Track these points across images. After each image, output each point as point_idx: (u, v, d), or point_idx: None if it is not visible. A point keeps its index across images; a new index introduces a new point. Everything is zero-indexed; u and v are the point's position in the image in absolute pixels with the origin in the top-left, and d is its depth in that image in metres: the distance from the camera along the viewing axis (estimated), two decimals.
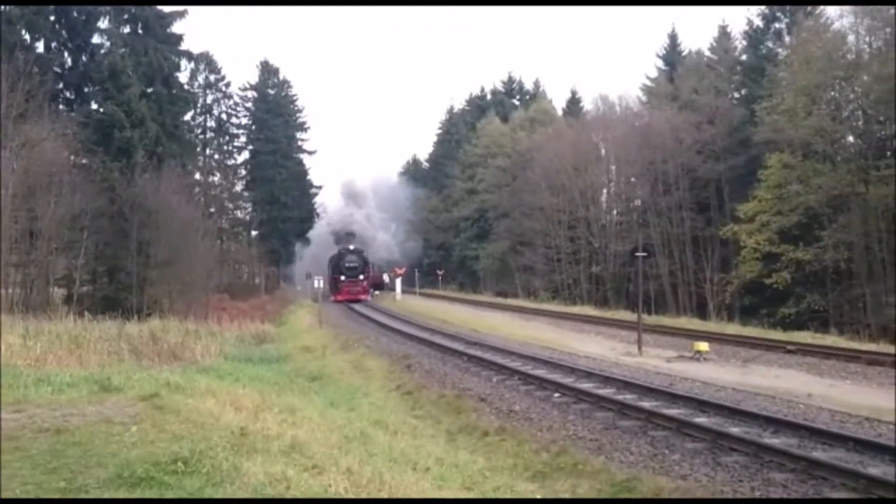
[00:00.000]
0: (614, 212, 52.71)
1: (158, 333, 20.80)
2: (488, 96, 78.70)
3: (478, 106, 77.75)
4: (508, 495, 8.61)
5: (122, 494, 6.69)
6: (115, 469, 7.20)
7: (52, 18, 39.34)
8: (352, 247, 59.75)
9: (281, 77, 71.87)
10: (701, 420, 11.34)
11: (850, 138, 35.67)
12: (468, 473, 9.47)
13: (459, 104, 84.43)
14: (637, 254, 21.52)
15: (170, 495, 6.63)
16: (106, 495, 6.67)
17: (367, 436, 10.97)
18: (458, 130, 78.27)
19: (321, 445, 9.33)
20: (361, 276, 56.47)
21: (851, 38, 35.39)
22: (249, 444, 8.47)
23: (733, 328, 27.29)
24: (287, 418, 10.62)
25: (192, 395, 11.43)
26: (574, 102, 65.91)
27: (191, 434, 8.49)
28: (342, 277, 55.69)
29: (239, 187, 66.92)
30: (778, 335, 24.53)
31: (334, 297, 54.34)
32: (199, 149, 60.64)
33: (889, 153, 34.91)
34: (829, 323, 31.79)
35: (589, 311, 38.13)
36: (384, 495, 7.04)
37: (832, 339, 23.16)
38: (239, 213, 66.59)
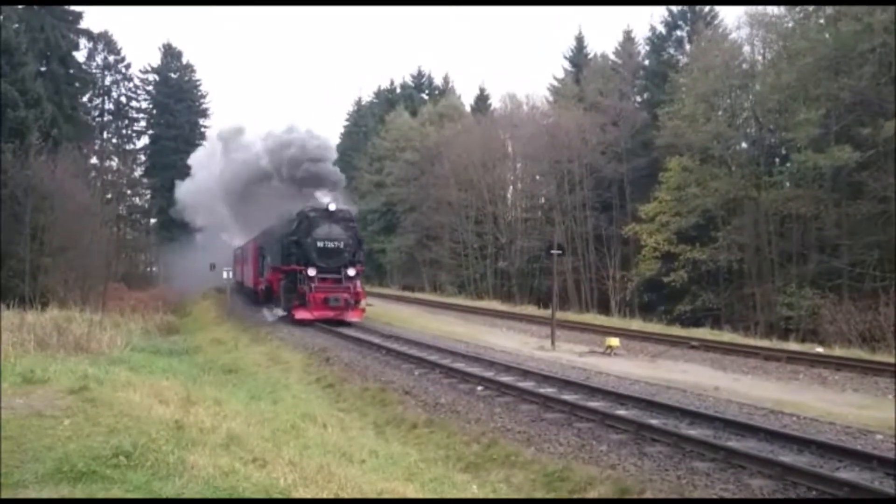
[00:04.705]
0: (520, 208, 53.71)
1: (62, 324, 19.97)
2: (398, 89, 78.29)
3: (387, 99, 77.25)
4: (446, 486, 8.79)
5: (63, 489, 6.51)
6: (52, 463, 6.98)
7: None
8: (331, 206, 27.64)
9: (184, 61, 69.81)
10: (622, 412, 11.80)
11: (744, 144, 37.59)
12: (405, 465, 9.62)
13: (368, 96, 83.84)
14: (553, 251, 22.11)
15: (115, 490, 6.50)
16: (46, 490, 6.47)
17: (298, 429, 10.97)
18: (366, 122, 77.56)
19: (256, 438, 9.29)
20: (351, 272, 26.86)
21: (747, 48, 37.39)
22: (187, 437, 8.35)
23: (637, 324, 28.28)
24: (219, 411, 10.48)
25: (114, 387, 11.12)
26: (482, 99, 66.49)
27: (126, 427, 8.29)
28: (311, 273, 26.17)
29: (138, 173, 64.66)
30: (679, 331, 25.61)
31: (295, 311, 26.58)
32: (96, 132, 58.27)
33: (778, 160, 37.20)
34: (721, 320, 33.44)
35: (496, 305, 38.73)
36: (334, 486, 7.08)
37: (729, 336, 24.31)
38: (137, 200, 64.35)
